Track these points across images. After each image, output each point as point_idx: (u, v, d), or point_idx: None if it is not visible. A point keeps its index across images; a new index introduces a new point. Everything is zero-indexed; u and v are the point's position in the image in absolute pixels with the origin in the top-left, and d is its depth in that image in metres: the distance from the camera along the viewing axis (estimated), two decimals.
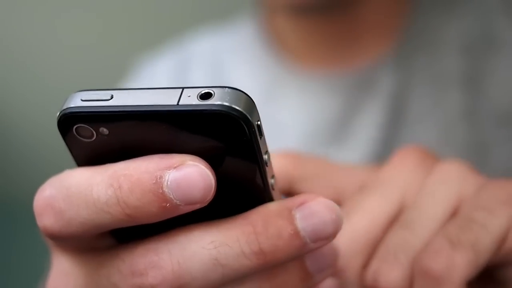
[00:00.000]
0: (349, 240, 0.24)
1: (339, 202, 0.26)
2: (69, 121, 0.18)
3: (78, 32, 1.32)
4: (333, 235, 0.19)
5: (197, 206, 0.18)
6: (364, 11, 0.48)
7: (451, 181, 0.24)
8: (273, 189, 0.20)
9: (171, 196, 0.17)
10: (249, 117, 0.17)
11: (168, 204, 0.17)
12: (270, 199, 0.20)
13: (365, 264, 0.24)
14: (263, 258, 0.19)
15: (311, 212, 0.19)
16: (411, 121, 0.47)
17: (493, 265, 0.23)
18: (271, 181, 0.19)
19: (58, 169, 0.20)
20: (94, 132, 0.18)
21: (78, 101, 0.18)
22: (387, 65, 0.48)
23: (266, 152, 0.19)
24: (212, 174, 0.17)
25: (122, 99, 0.17)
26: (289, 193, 0.26)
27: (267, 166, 0.19)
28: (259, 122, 0.18)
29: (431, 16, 0.49)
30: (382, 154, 0.46)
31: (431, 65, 0.48)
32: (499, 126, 0.45)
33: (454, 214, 0.24)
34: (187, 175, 0.17)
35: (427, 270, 0.22)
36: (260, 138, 0.18)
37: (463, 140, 0.46)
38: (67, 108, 0.18)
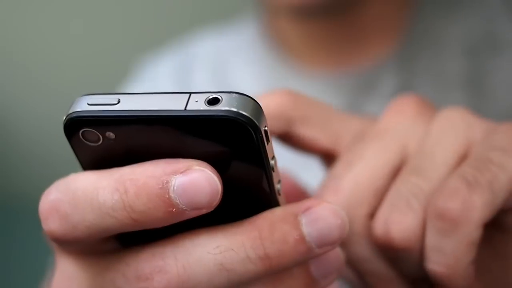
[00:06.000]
0: (352, 190, 0.23)
1: (334, 150, 0.25)
2: (75, 125, 0.18)
3: (80, 33, 1.32)
4: (338, 240, 0.19)
5: (203, 211, 0.18)
6: (366, 13, 0.48)
7: (457, 127, 0.24)
8: (279, 194, 0.20)
9: (177, 201, 0.17)
10: (256, 123, 0.17)
11: (174, 209, 0.17)
12: (276, 204, 0.20)
13: (370, 214, 0.23)
14: (269, 263, 0.18)
15: (316, 217, 0.19)
16: None
17: (502, 210, 0.22)
18: (277, 186, 0.19)
19: (64, 173, 0.20)
20: (101, 136, 0.18)
21: (84, 105, 0.18)
22: (390, 66, 0.48)
23: (273, 157, 0.19)
24: (218, 179, 0.17)
25: (129, 104, 0.17)
26: (286, 135, 0.25)
27: (273, 171, 0.19)
28: (266, 128, 0.18)
29: (434, 18, 0.49)
30: None
31: (433, 66, 0.48)
32: None
33: (463, 159, 0.23)
34: (193, 180, 0.17)
35: (443, 212, 0.21)
36: (267, 143, 0.18)
37: None
38: (73, 112, 0.18)
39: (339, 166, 0.24)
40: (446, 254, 0.21)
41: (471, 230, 0.21)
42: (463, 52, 0.48)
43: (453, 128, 0.23)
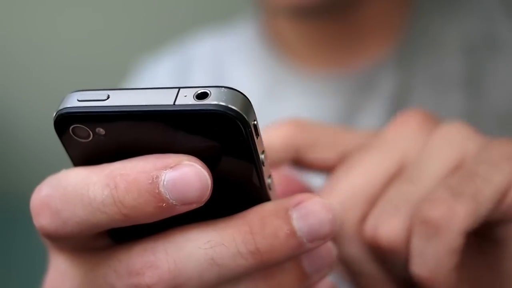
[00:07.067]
0: (346, 194, 0.24)
1: None
2: (65, 122, 0.18)
3: (79, 33, 1.32)
4: (329, 235, 0.19)
5: (194, 206, 0.18)
6: (365, 13, 0.48)
7: (453, 141, 0.24)
8: (270, 188, 0.20)
9: (167, 196, 0.17)
10: (245, 116, 0.17)
11: (164, 204, 0.17)
12: (267, 198, 0.20)
13: (362, 218, 0.24)
14: (260, 258, 0.19)
15: (307, 212, 0.19)
16: None
17: (491, 222, 0.24)
18: (267, 180, 0.19)
19: (56, 169, 0.20)
20: (91, 132, 0.18)
21: (74, 101, 0.18)
22: (388, 66, 0.48)
23: (263, 151, 0.19)
24: (208, 174, 0.17)
25: (119, 99, 0.17)
26: (297, 162, 0.26)
27: (263, 165, 0.19)
28: (255, 122, 0.18)
29: (432, 18, 0.49)
30: None
31: (432, 66, 0.48)
32: (500, 128, 0.45)
33: (455, 172, 0.24)
34: (183, 175, 0.17)
35: (427, 218, 0.22)
36: (257, 137, 0.18)
37: None
38: (63, 109, 0.18)
39: (338, 171, 0.25)
40: (428, 259, 0.22)
41: (452, 237, 0.22)
42: (461, 51, 0.47)
43: (449, 142, 0.24)
